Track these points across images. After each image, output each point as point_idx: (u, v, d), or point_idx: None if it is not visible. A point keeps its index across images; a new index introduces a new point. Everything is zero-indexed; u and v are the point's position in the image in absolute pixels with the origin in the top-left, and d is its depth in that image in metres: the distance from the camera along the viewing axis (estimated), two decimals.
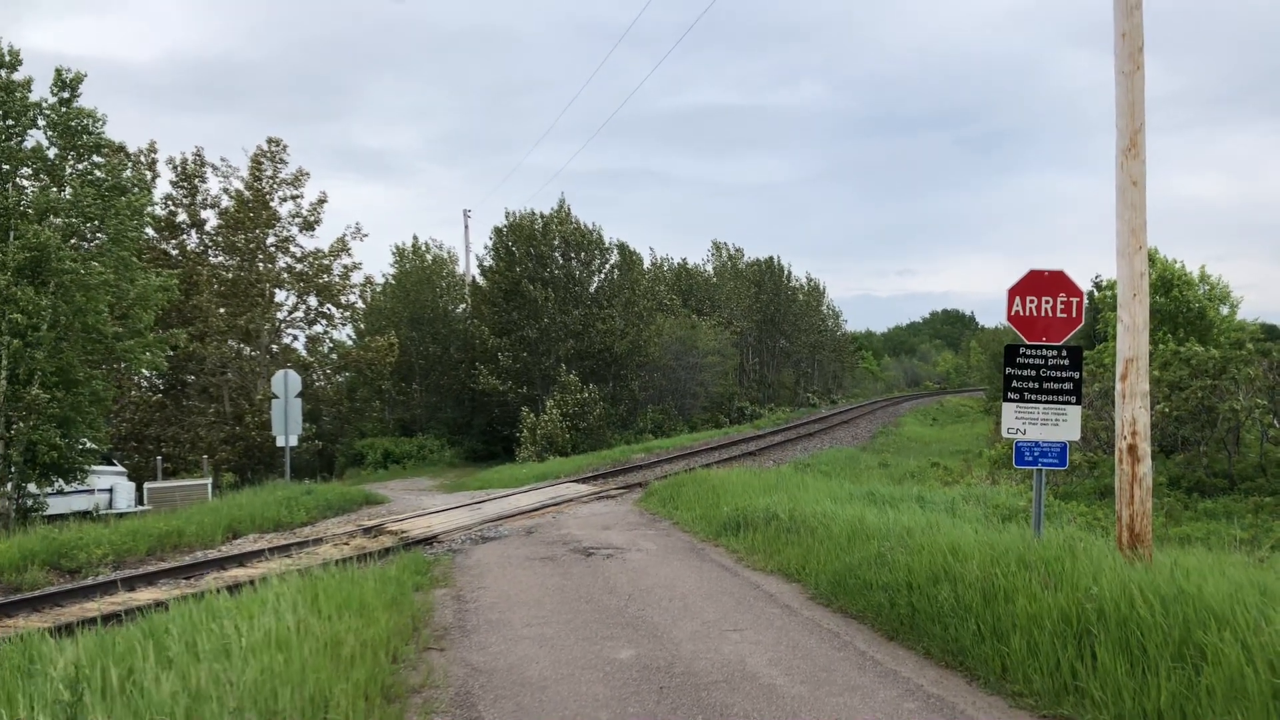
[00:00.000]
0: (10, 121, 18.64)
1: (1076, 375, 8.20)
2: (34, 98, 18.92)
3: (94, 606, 10.39)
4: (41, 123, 19.17)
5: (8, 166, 18.78)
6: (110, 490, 21.34)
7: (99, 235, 19.79)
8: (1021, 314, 8.34)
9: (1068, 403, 8.17)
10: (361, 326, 42.18)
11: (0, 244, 18.01)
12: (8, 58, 18.59)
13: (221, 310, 32.40)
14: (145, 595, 10.83)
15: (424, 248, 47.15)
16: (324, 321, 36.30)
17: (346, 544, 13.86)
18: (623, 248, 43.51)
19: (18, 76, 18.78)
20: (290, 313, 35.56)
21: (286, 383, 21.47)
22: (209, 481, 23.69)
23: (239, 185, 33.80)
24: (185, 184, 33.42)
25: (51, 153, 19.33)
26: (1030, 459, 8.27)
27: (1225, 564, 6.69)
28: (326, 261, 35.41)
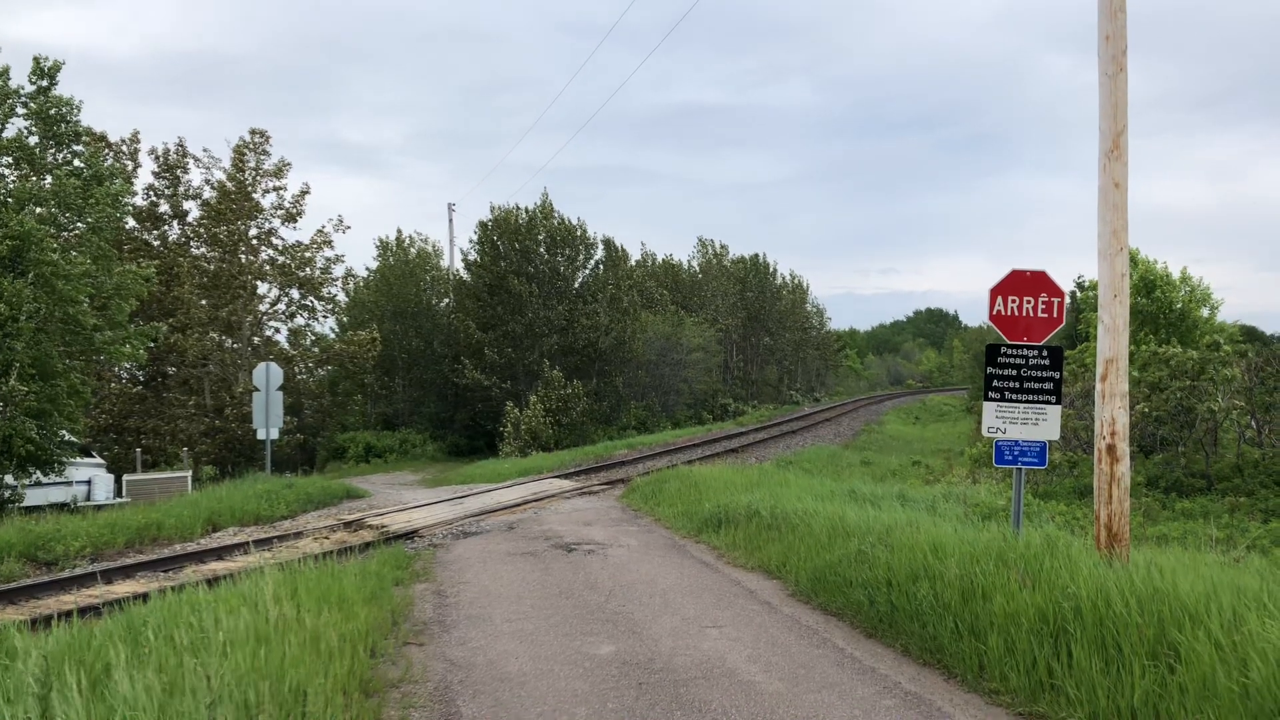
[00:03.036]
0: None
1: (1057, 375, 8.26)
2: (12, 85, 18.73)
3: (70, 599, 10.31)
4: (21, 111, 18.98)
5: None
6: (88, 482, 21.17)
7: (79, 225, 19.60)
8: (1003, 314, 8.39)
9: (1048, 402, 8.23)
10: (344, 320, 42.03)
11: None
12: None
13: (203, 302, 32.19)
14: (123, 588, 10.76)
15: (407, 241, 47.01)
16: (306, 314, 36.12)
17: (327, 538, 13.80)
18: (609, 243, 43.52)
19: None
20: (272, 305, 35.38)
21: (268, 375, 21.35)
22: (189, 474, 23.53)
23: (221, 176, 33.59)
24: (167, 175, 33.18)
25: (32, 141, 19.14)
26: (1010, 458, 8.32)
27: (1201, 564, 6.75)
28: (309, 254, 35.22)
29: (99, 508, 18.34)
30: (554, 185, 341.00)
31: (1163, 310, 28.67)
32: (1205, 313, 31.23)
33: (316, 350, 36.82)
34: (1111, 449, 7.30)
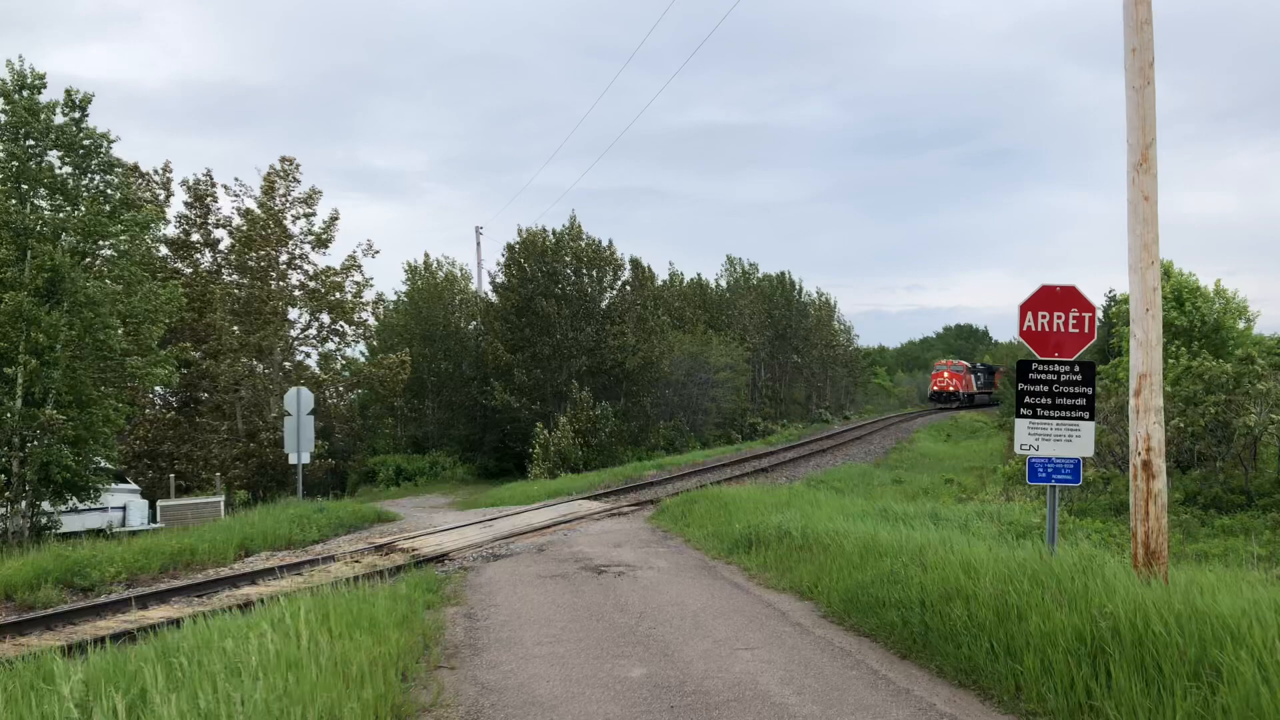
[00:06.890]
0: (31, 143, 18.81)
1: (1089, 391, 8.16)
2: (42, 119, 19.10)
3: (106, 625, 10.42)
4: (51, 139, 19.34)
5: (26, 187, 18.95)
6: (124, 508, 21.41)
7: (106, 250, 19.95)
8: (1034, 329, 8.32)
9: (1081, 418, 8.13)
10: (374, 343, 42.39)
11: (19, 264, 18.18)
12: (31, 79, 18.77)
13: (235, 328, 32.57)
14: (157, 613, 10.86)
15: (435, 265, 47.41)
16: (336, 339, 36.46)
17: (358, 562, 13.86)
18: (635, 263, 43.59)
19: (40, 99, 18.96)
20: (303, 330, 35.75)
21: (299, 400, 21.54)
22: (222, 499, 23.75)
23: (252, 204, 34.06)
24: (198, 204, 33.70)
25: (65, 171, 19.48)
26: (1044, 475, 8.23)
27: (1242, 581, 6.63)
28: (339, 279, 35.59)
29: (134, 533, 18.56)
30: (579, 207, 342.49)
31: (1196, 323, 28.22)
32: (1241, 325, 30.72)
33: (347, 374, 37.12)
34: (1147, 465, 7.20)
